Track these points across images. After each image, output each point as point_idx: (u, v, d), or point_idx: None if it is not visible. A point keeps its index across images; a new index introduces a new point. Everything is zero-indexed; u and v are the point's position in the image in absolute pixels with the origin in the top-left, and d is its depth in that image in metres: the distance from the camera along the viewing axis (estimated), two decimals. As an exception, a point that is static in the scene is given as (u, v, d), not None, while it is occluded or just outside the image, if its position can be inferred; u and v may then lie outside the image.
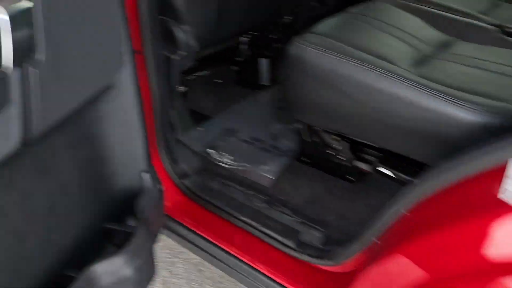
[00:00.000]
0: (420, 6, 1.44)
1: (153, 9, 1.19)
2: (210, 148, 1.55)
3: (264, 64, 2.01)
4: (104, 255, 0.90)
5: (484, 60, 1.11)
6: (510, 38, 1.38)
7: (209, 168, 1.49)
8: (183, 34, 1.35)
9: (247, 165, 1.47)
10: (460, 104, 0.90)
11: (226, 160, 1.50)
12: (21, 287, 0.77)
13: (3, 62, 0.57)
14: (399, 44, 1.18)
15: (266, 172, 1.43)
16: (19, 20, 0.59)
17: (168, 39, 1.34)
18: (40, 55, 0.65)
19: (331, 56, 1.04)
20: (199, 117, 1.75)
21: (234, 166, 1.48)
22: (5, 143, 0.65)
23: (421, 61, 1.13)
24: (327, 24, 1.23)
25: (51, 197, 0.85)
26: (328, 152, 1.34)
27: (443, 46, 1.24)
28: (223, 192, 1.40)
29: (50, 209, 0.85)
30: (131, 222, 1.08)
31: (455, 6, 1.43)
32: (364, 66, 1.01)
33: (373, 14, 1.30)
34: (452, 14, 1.40)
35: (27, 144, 0.68)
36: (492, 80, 1.03)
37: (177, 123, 1.59)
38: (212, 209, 1.37)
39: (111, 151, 1.04)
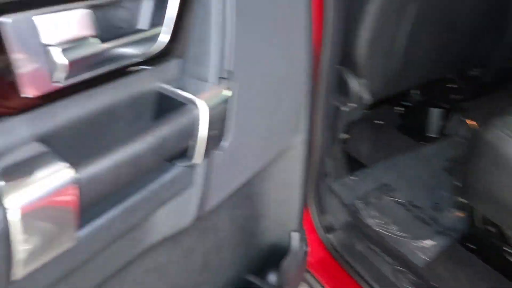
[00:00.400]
0: None
1: (334, 60, 1.14)
2: (360, 203, 1.45)
3: (436, 114, 1.83)
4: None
5: None
6: None
7: (356, 225, 1.40)
8: (358, 86, 1.28)
9: (400, 234, 1.34)
10: None
11: (376, 222, 1.40)
12: None
13: (195, 158, 0.57)
14: None
15: (421, 250, 1.28)
16: (215, 112, 0.58)
17: (341, 89, 1.28)
18: (227, 141, 0.64)
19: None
20: (353, 164, 1.67)
21: (384, 230, 1.37)
22: (183, 220, 0.66)
23: None
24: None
25: (207, 255, 0.86)
26: (504, 249, 1.14)
27: None
28: (368, 257, 1.29)
29: (204, 266, 0.87)
30: (272, 279, 1.06)
31: None
32: None
33: None
34: None
35: (200, 218, 0.69)
36: None
37: (332, 170, 1.54)
38: (353, 274, 1.28)
39: (267, 209, 1.02)
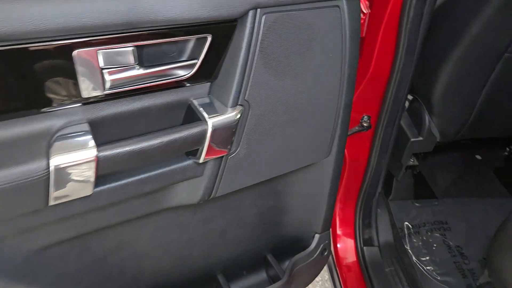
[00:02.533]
0: None
1: (401, 90, 1.18)
2: (410, 230, 1.49)
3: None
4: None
5: None
6: None
7: (395, 249, 1.46)
8: (429, 122, 1.30)
9: (433, 274, 1.37)
10: None
11: (416, 253, 1.43)
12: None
13: (200, 158, 0.77)
14: None
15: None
16: (222, 130, 0.76)
17: (415, 121, 1.32)
18: (235, 150, 0.82)
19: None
20: (423, 189, 1.67)
21: (419, 265, 1.40)
22: (192, 198, 0.87)
23: None
24: None
25: (226, 225, 1.07)
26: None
27: None
28: (391, 284, 1.36)
29: (222, 233, 1.08)
30: (285, 267, 1.23)
31: None
32: None
33: None
34: None
35: (209, 198, 0.89)
36: None
37: (394, 189, 1.59)
38: (369, 292, 1.37)
39: (294, 206, 1.17)
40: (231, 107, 0.77)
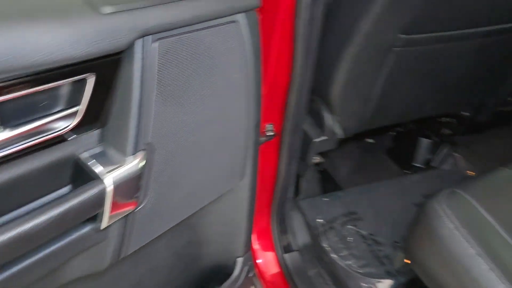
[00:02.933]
0: None
1: (308, 91, 1.14)
2: (323, 226, 1.49)
3: (425, 144, 1.82)
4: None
5: None
6: None
7: (314, 249, 1.45)
8: (332, 122, 1.29)
9: (352, 267, 1.38)
10: None
11: (333, 249, 1.44)
12: None
13: (102, 223, 0.63)
14: None
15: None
16: (125, 183, 0.63)
17: (316, 121, 1.30)
18: (144, 200, 0.69)
19: (465, 242, 0.88)
20: (329, 183, 1.69)
21: (338, 260, 1.41)
22: (98, 266, 0.72)
23: None
24: (488, 182, 1.04)
25: (140, 277, 0.93)
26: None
27: None
28: (316, 285, 1.35)
29: (137, 285, 0.94)
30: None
31: None
32: (496, 274, 0.82)
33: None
34: None
35: (120, 260, 0.75)
36: None
37: (302, 188, 1.57)
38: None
39: (211, 236, 1.07)
40: (132, 154, 0.64)
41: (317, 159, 1.50)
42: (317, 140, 1.32)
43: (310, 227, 1.49)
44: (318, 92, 1.24)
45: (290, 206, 1.43)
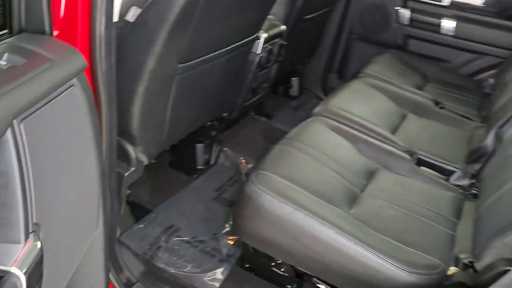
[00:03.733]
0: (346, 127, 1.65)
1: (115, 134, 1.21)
2: (151, 250, 1.58)
3: (200, 148, 2.10)
4: None
5: (405, 199, 1.34)
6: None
7: (152, 273, 1.53)
8: (135, 152, 1.39)
9: (192, 271, 1.53)
10: (391, 263, 1.07)
11: (169, 264, 1.55)
12: None
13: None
14: (335, 179, 1.35)
15: (211, 281, 1.50)
16: (32, 269, 0.62)
17: (123, 158, 1.38)
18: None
19: (284, 205, 1.17)
20: (138, 211, 1.77)
21: (178, 271, 1.53)
22: None
23: (353, 199, 1.32)
24: (274, 157, 1.37)
25: None
26: (271, 264, 1.46)
27: (369, 176, 1.45)
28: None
29: None
30: None
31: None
32: (310, 217, 1.15)
33: (309, 140, 1.47)
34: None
35: None
36: (415, 228, 1.23)
37: (120, 225, 1.61)
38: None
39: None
40: (25, 239, 0.63)
41: (128, 191, 1.57)
42: (127, 173, 1.40)
43: (140, 256, 1.56)
44: (119, 128, 1.32)
45: (118, 245, 1.46)
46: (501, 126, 1.46)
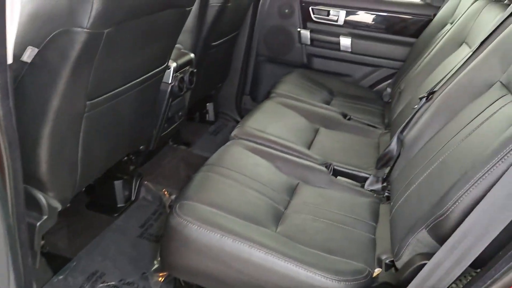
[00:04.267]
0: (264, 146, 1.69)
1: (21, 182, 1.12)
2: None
3: (119, 186, 2.01)
4: None
5: (326, 210, 1.39)
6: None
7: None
8: (46, 199, 1.30)
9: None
10: (320, 275, 1.10)
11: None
12: None
13: None
14: (259, 199, 1.37)
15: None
16: None
17: (32, 206, 1.28)
18: None
19: (211, 232, 1.16)
20: (57, 261, 1.64)
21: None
22: None
23: (279, 217, 1.34)
24: (197, 185, 1.36)
25: None
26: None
27: (291, 192, 1.49)
28: None
29: None
30: None
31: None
32: (239, 241, 1.15)
33: (230, 164, 1.48)
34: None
35: None
36: (339, 236, 1.29)
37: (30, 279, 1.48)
38: None
39: None
40: None
41: (42, 242, 1.45)
42: (39, 222, 1.30)
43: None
44: (28, 180, 1.23)
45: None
46: (402, 131, 1.58)
